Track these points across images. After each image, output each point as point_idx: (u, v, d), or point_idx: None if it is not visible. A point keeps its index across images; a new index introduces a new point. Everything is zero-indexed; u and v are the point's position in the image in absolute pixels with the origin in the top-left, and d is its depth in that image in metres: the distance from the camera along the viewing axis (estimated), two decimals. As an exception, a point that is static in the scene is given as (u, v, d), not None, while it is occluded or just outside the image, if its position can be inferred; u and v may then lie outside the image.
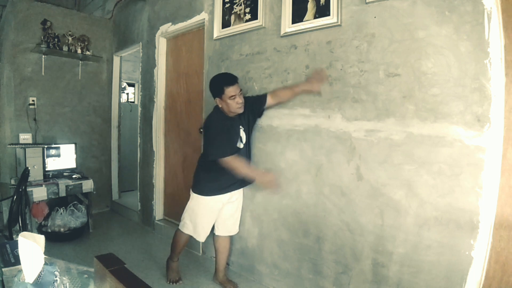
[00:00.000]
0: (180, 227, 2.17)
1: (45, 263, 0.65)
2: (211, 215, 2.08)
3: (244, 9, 2.25)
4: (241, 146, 2.01)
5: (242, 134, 2.02)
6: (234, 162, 1.85)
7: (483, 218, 1.35)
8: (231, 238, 2.27)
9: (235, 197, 2.15)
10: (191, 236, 2.15)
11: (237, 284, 2.19)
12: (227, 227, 2.18)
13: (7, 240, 1.86)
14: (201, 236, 2.11)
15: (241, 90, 1.91)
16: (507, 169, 1.31)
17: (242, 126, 2.02)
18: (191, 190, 2.12)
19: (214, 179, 2.02)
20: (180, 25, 2.84)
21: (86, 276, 0.87)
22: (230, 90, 1.84)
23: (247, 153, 2.07)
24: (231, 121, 1.97)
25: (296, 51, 1.98)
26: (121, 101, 4.20)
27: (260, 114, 2.13)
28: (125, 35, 3.65)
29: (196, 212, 2.08)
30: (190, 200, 2.13)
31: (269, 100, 2.01)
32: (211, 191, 2.03)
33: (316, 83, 1.84)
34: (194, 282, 2.27)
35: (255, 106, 2.04)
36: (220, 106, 1.93)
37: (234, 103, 1.86)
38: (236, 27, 2.30)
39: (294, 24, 1.97)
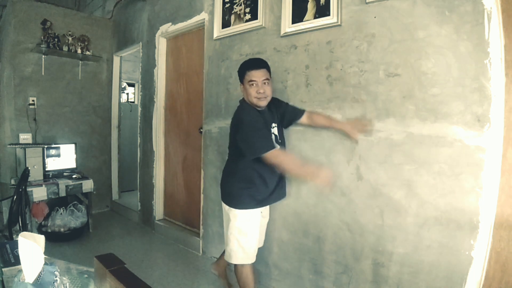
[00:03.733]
0: (228, 259, 1.76)
1: (45, 263, 0.65)
2: (257, 229, 1.75)
3: (244, 9, 2.25)
4: (277, 146, 1.65)
5: (276, 132, 1.73)
6: (283, 156, 1.58)
7: (483, 218, 1.35)
8: None
9: (267, 211, 1.95)
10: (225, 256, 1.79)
11: (232, 284, 2.17)
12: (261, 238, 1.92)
13: (7, 240, 1.87)
14: (253, 256, 1.74)
15: (267, 80, 1.63)
16: (507, 169, 1.31)
17: (274, 122, 1.74)
18: (227, 207, 1.74)
19: (252, 186, 1.69)
20: (180, 25, 2.84)
21: (86, 276, 0.87)
22: (251, 74, 1.61)
23: None
24: (263, 114, 1.69)
25: (296, 51, 1.98)
26: (121, 101, 4.20)
27: (286, 125, 1.87)
28: (125, 35, 3.65)
29: (245, 231, 1.69)
30: (231, 219, 1.72)
31: (304, 118, 1.81)
32: (253, 201, 1.70)
33: (357, 132, 1.67)
34: (194, 282, 2.27)
35: (287, 114, 1.80)
36: (243, 95, 1.71)
37: (253, 91, 1.61)
38: (236, 27, 2.30)
39: (294, 24, 1.97)
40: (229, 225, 1.72)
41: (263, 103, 1.64)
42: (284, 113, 1.81)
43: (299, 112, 1.83)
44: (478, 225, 1.36)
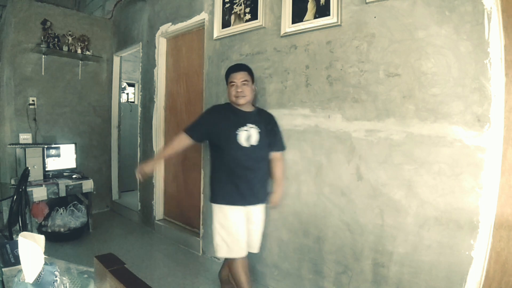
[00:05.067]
0: (214, 252, 1.88)
1: (45, 263, 0.65)
2: (241, 227, 1.81)
3: (244, 9, 2.25)
4: (245, 144, 1.77)
5: (253, 133, 1.80)
6: (174, 139, 1.89)
7: (483, 218, 1.35)
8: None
9: (256, 217, 1.92)
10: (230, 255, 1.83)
11: (233, 285, 2.17)
12: (252, 244, 1.95)
13: (7, 240, 1.87)
14: (239, 252, 1.80)
15: (246, 81, 1.80)
16: (507, 169, 1.31)
17: (254, 124, 1.82)
18: (210, 203, 1.88)
19: (225, 183, 1.82)
20: (180, 25, 2.84)
21: (86, 276, 0.87)
22: (232, 76, 1.82)
23: (257, 157, 1.82)
24: (233, 111, 1.84)
25: (296, 51, 1.98)
26: (121, 101, 4.20)
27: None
28: (125, 35, 3.65)
29: (225, 227, 1.81)
30: (213, 213, 1.86)
31: (273, 155, 1.93)
32: (227, 198, 1.80)
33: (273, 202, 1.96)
34: (194, 282, 2.27)
35: (272, 138, 1.91)
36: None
37: (233, 91, 1.80)
38: (236, 27, 2.30)
39: (294, 24, 1.97)
40: (213, 219, 1.86)
41: (241, 101, 1.80)
42: (272, 132, 1.92)
43: (277, 147, 1.95)
44: (478, 225, 1.36)
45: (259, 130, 1.82)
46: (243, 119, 1.82)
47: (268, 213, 2.16)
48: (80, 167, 3.36)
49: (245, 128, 1.80)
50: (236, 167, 1.79)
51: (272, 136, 1.90)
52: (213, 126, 1.83)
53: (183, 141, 1.86)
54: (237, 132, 1.78)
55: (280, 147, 1.98)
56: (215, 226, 1.85)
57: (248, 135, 1.79)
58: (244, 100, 1.80)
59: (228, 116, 1.83)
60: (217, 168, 1.86)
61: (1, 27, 3.68)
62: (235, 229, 1.80)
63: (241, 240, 1.81)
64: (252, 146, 1.79)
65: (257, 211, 1.91)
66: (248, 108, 1.87)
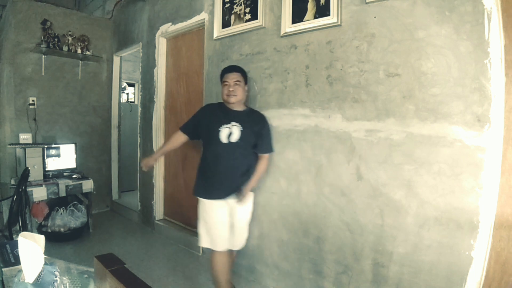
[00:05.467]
0: (198, 243, 1.97)
1: (45, 263, 0.65)
2: (220, 221, 1.87)
3: (244, 9, 2.25)
4: (225, 140, 1.85)
5: (235, 131, 1.87)
6: (173, 134, 2.06)
7: (483, 218, 1.35)
8: (235, 252, 2.10)
9: (240, 213, 1.96)
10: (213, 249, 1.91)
11: (233, 285, 2.17)
12: (235, 241, 1.99)
13: (7, 240, 1.87)
14: (219, 245, 1.87)
15: (238, 81, 1.90)
16: (507, 169, 1.31)
17: (237, 122, 1.88)
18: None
19: (204, 176, 1.93)
20: (180, 25, 2.84)
21: (86, 276, 0.87)
22: (225, 77, 1.93)
23: (238, 156, 1.88)
24: (223, 110, 1.94)
25: (296, 51, 1.98)
26: (121, 101, 4.20)
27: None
28: (125, 35, 3.65)
29: (206, 219, 1.89)
30: (199, 205, 1.96)
31: (259, 156, 1.98)
32: (204, 190, 1.91)
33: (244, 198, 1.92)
34: (194, 282, 2.27)
35: (259, 139, 1.94)
36: None
37: (225, 90, 1.91)
38: (236, 27, 2.30)
39: (294, 24, 1.97)
40: (198, 210, 1.97)
41: (232, 100, 1.89)
42: (258, 133, 1.94)
43: (262, 149, 1.96)
44: (478, 225, 1.36)
45: (242, 129, 1.88)
46: (229, 117, 1.91)
47: (268, 213, 2.17)
48: (80, 167, 3.36)
49: (228, 125, 1.88)
50: (215, 162, 1.89)
51: (258, 138, 1.93)
52: (202, 122, 1.96)
53: (178, 137, 2.04)
54: (219, 129, 1.87)
55: (266, 149, 1.99)
56: (198, 217, 1.95)
57: (230, 132, 1.87)
58: (235, 99, 1.89)
59: (216, 114, 1.94)
60: (200, 163, 1.98)
61: (1, 27, 3.68)
62: (215, 223, 1.88)
63: (221, 235, 1.88)
64: (231, 143, 1.86)
65: (238, 208, 1.94)
66: (239, 108, 1.95)
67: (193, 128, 2.01)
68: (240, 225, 1.99)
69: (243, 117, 1.92)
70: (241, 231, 2.00)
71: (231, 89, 1.89)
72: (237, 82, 1.90)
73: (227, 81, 1.91)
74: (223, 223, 1.88)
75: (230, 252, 1.99)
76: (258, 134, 1.93)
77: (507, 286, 1.31)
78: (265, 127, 1.99)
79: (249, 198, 1.98)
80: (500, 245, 1.32)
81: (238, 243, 2.01)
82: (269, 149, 2.01)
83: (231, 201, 1.91)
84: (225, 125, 1.88)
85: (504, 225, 1.31)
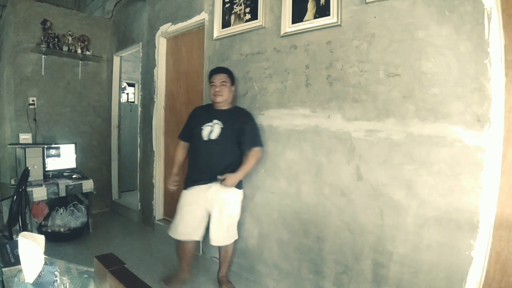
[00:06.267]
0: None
1: (45, 263, 0.65)
2: (186, 211, 2.01)
3: (244, 9, 2.25)
4: (205, 138, 1.97)
5: (215, 128, 1.98)
6: (177, 147, 2.18)
7: (483, 218, 1.35)
8: (232, 244, 2.13)
9: (215, 208, 2.01)
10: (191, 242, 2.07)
11: (233, 285, 2.17)
12: (210, 235, 2.04)
13: (7, 240, 1.86)
14: (173, 231, 2.04)
15: (224, 82, 2.02)
16: (507, 169, 1.31)
17: (219, 120, 1.99)
18: None
19: (187, 171, 2.10)
20: (180, 25, 2.84)
21: (86, 276, 0.87)
22: (212, 78, 2.05)
23: (218, 152, 1.96)
24: (209, 109, 2.09)
25: (296, 51, 1.98)
26: (121, 101, 4.20)
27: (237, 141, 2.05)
28: (125, 35, 3.65)
29: (178, 209, 2.07)
30: None
31: (246, 152, 2.02)
32: (186, 182, 2.08)
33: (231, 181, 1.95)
34: (194, 282, 2.27)
35: (242, 135, 2.00)
36: None
37: (212, 90, 2.03)
38: (236, 27, 2.30)
39: (294, 24, 1.97)
40: None
41: (218, 99, 2.01)
42: (240, 130, 2.00)
43: (245, 144, 2.01)
44: (478, 225, 1.36)
45: (222, 126, 1.98)
46: (212, 116, 2.03)
47: (268, 213, 2.17)
48: (80, 167, 3.36)
49: (210, 124, 2.01)
50: (196, 159, 2.04)
51: (240, 134, 1.99)
52: (191, 125, 2.11)
53: (182, 147, 2.18)
54: (202, 127, 2.01)
55: (249, 144, 2.02)
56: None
57: (211, 130, 1.99)
58: (221, 98, 2.01)
59: (202, 114, 2.10)
60: (188, 161, 2.14)
61: (1, 27, 3.68)
62: (181, 210, 2.03)
63: (184, 223, 2.01)
64: (210, 140, 1.97)
65: (219, 193, 1.98)
66: (225, 107, 2.06)
67: (188, 133, 2.12)
68: (216, 218, 2.00)
69: (226, 115, 2.01)
70: (220, 225, 2.01)
71: (217, 89, 2.01)
72: (223, 83, 2.02)
73: (214, 82, 2.03)
74: (190, 213, 2.01)
75: (223, 246, 2.09)
76: (240, 131, 1.99)
77: (507, 286, 1.31)
78: (249, 123, 2.05)
79: (232, 181, 1.95)
80: (500, 245, 1.32)
81: (215, 237, 2.02)
82: (253, 143, 2.03)
83: (210, 194, 1.99)
84: (207, 124, 2.01)
85: (504, 225, 1.31)
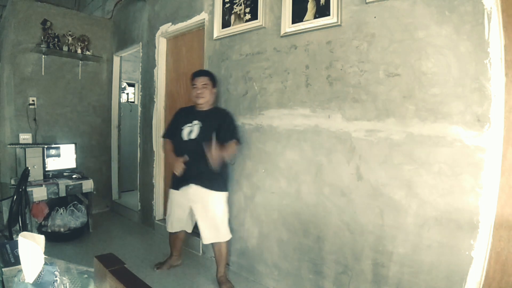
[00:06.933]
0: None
1: (45, 263, 0.65)
2: (174, 207, 2.21)
3: (244, 9, 2.25)
4: (185, 138, 2.10)
5: (195, 128, 2.10)
6: (164, 144, 2.29)
7: (483, 218, 1.35)
8: (225, 243, 2.18)
9: (198, 207, 2.12)
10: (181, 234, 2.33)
11: (232, 285, 2.17)
12: (200, 234, 2.17)
13: (7, 240, 1.86)
14: (168, 224, 2.29)
15: (206, 84, 2.12)
16: (507, 169, 1.31)
17: (199, 120, 2.11)
18: None
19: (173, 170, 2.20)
20: (180, 25, 2.84)
21: (86, 276, 0.87)
22: (194, 80, 2.16)
23: (197, 151, 2.01)
24: (190, 111, 2.21)
25: (296, 51, 1.98)
26: (121, 101, 4.20)
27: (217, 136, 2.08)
28: (125, 35, 3.65)
29: (168, 205, 2.29)
30: None
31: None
32: (172, 182, 2.22)
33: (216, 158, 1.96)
34: (194, 282, 2.27)
35: (221, 130, 2.06)
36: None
37: (194, 92, 2.14)
38: (236, 27, 2.30)
39: (294, 24, 1.97)
40: None
41: (200, 101, 2.13)
42: (219, 127, 2.08)
43: (222, 138, 2.05)
44: (478, 225, 1.36)
45: (201, 126, 2.09)
46: (193, 116, 2.15)
47: (268, 213, 2.17)
48: (80, 167, 3.36)
49: (190, 124, 2.12)
50: (178, 158, 2.11)
51: (218, 130, 2.05)
52: (173, 125, 2.23)
53: (166, 142, 2.29)
54: (182, 128, 2.13)
55: (226, 138, 2.06)
56: None
57: (190, 130, 2.11)
58: (203, 100, 2.12)
59: (184, 115, 2.21)
60: None
61: (1, 27, 3.68)
62: (171, 208, 2.24)
63: (175, 218, 2.23)
64: (190, 139, 2.08)
65: (203, 197, 2.08)
66: (206, 108, 2.17)
67: (170, 132, 2.24)
68: (201, 218, 2.12)
69: (205, 116, 2.11)
70: (206, 224, 2.11)
71: (199, 91, 2.12)
72: (205, 85, 2.13)
73: (196, 84, 2.14)
74: (176, 210, 2.20)
75: (217, 243, 2.16)
76: (218, 127, 2.07)
77: (507, 286, 1.31)
78: (226, 120, 2.13)
79: (214, 154, 1.93)
80: (500, 245, 1.32)
81: (205, 236, 2.13)
82: (230, 137, 2.08)
83: (191, 193, 2.10)
84: (188, 124, 2.13)
85: (504, 225, 1.31)
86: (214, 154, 1.93)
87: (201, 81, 2.14)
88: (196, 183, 2.08)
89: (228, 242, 2.21)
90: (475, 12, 1.34)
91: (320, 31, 1.86)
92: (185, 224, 2.27)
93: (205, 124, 2.08)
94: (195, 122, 2.11)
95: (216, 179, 2.10)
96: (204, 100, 2.13)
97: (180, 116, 2.24)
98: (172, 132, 2.21)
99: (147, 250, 2.80)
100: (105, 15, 3.97)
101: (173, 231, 2.28)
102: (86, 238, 3.00)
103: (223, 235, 2.15)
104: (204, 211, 2.12)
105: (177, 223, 2.24)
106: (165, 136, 2.32)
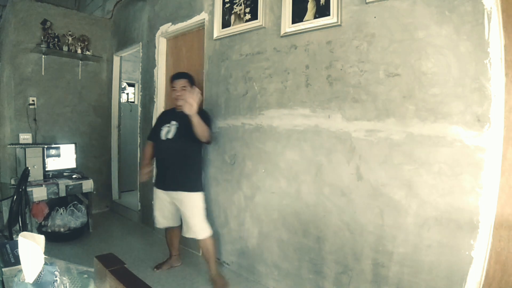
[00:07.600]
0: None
1: (45, 263, 0.65)
2: (158, 204, 2.31)
3: (244, 9, 2.25)
4: (163, 137, 2.18)
5: (172, 128, 2.18)
6: (144, 146, 2.45)
7: (483, 218, 1.35)
8: (210, 239, 2.21)
9: (181, 204, 2.21)
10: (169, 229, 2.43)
11: (226, 281, 2.18)
12: (183, 228, 2.26)
13: (7, 240, 1.86)
14: (156, 223, 2.39)
15: (184, 87, 2.17)
16: (507, 169, 1.31)
17: (176, 121, 2.18)
18: None
19: (155, 167, 2.34)
20: (180, 25, 2.84)
21: (86, 276, 0.87)
22: (173, 83, 2.22)
23: (173, 150, 2.16)
24: (171, 113, 2.30)
25: (296, 51, 1.98)
26: (121, 101, 4.19)
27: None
28: (125, 35, 3.64)
29: (153, 202, 2.39)
30: None
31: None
32: (155, 181, 2.34)
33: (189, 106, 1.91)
34: (194, 282, 2.27)
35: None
36: None
37: (173, 94, 2.22)
38: (236, 27, 2.30)
39: (294, 24, 1.97)
40: None
41: (180, 102, 2.13)
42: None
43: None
44: (478, 225, 1.36)
45: (178, 126, 2.17)
46: (172, 117, 2.22)
47: (268, 213, 2.17)
48: (80, 167, 3.36)
49: (168, 125, 2.21)
50: (157, 157, 2.29)
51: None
52: (155, 127, 2.33)
53: (148, 144, 2.40)
54: (161, 128, 2.23)
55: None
56: None
57: (168, 131, 2.19)
58: (182, 102, 2.07)
59: (164, 117, 2.31)
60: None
61: (1, 27, 3.68)
62: (155, 205, 2.34)
63: (160, 214, 2.33)
64: (168, 139, 2.17)
65: (180, 198, 2.19)
66: None
67: (153, 133, 2.33)
68: (185, 215, 2.19)
69: (183, 116, 2.05)
70: (188, 220, 2.19)
71: (178, 93, 2.17)
72: (184, 87, 2.17)
73: (175, 87, 2.20)
74: (161, 208, 2.30)
75: (200, 239, 2.21)
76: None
77: (507, 286, 1.31)
78: (201, 115, 2.10)
79: (191, 99, 1.90)
80: (500, 245, 1.32)
81: (189, 231, 2.20)
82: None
83: (169, 192, 2.21)
84: (166, 125, 2.21)
85: (504, 225, 1.31)
86: (189, 97, 1.88)
87: (180, 83, 2.20)
88: (174, 189, 2.20)
89: (213, 238, 2.25)
90: (475, 12, 1.34)
91: (320, 31, 1.86)
92: (171, 220, 2.34)
93: (182, 123, 2.12)
94: (173, 122, 2.20)
95: (192, 180, 2.21)
96: (183, 101, 2.03)
97: (161, 118, 2.36)
98: (155, 134, 2.28)
99: (147, 250, 2.80)
100: (105, 15, 3.97)
101: (160, 226, 2.38)
102: (86, 238, 3.00)
103: (202, 229, 2.20)
104: (183, 209, 2.20)
105: (162, 219, 2.34)
106: (149, 138, 2.42)
